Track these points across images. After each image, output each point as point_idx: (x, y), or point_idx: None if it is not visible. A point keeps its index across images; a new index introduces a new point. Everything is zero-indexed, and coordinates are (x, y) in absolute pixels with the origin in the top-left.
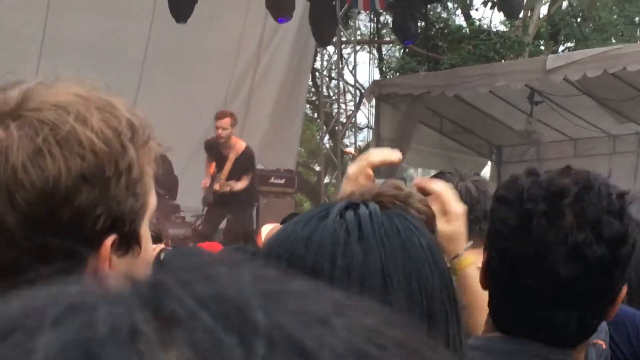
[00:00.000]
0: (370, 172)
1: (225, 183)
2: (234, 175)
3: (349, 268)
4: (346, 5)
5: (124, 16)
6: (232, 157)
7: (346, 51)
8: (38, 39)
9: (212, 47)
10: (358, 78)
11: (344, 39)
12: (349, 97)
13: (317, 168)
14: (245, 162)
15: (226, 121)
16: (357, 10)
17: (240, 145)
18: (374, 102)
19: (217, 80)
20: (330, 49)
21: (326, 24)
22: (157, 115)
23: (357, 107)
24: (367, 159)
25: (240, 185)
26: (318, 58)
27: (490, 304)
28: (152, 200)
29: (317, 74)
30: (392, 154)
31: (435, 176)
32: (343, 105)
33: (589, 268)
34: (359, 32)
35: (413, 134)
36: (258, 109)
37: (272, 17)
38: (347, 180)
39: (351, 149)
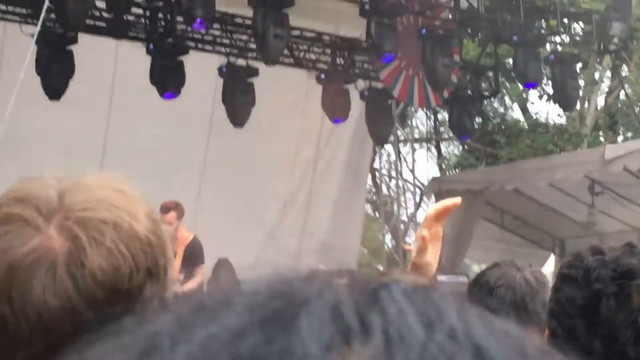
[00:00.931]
0: (439, 229)
1: (177, 281)
2: (185, 268)
3: None
4: (402, 104)
5: (183, 123)
6: (180, 250)
7: (405, 149)
8: (99, 148)
9: (270, 150)
10: (418, 175)
11: (402, 137)
12: (409, 195)
13: (381, 267)
14: (194, 253)
15: (171, 215)
16: (413, 108)
17: (187, 236)
18: (433, 199)
19: (276, 182)
20: (389, 147)
21: (382, 123)
22: (218, 221)
23: (418, 205)
24: (428, 216)
25: (193, 283)
26: (377, 157)
27: None
28: None
29: (376, 173)
30: (449, 201)
31: (491, 267)
32: (403, 204)
33: None
34: (416, 130)
35: (474, 230)
36: (318, 210)
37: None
38: (415, 241)
39: (408, 245)
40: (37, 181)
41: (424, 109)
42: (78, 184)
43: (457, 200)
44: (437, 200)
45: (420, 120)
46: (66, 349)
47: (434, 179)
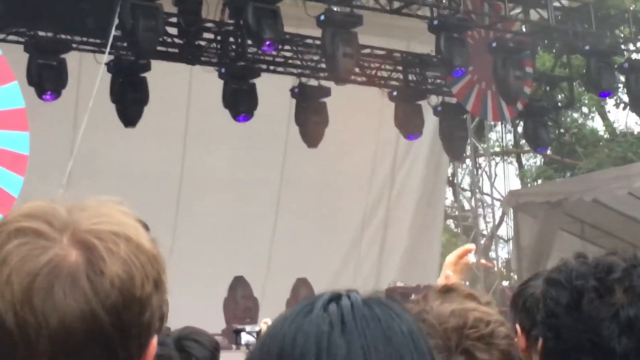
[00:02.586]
0: (449, 273)
1: None
2: None
3: None
4: (477, 118)
5: (258, 144)
6: None
7: (487, 163)
8: (177, 172)
9: (346, 169)
10: (500, 189)
11: (481, 151)
12: (490, 209)
13: (466, 283)
14: None
15: None
16: (492, 122)
17: None
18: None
19: (354, 200)
20: (470, 161)
21: (457, 138)
22: (296, 239)
23: (501, 219)
24: (448, 261)
25: None
26: (457, 172)
27: None
28: None
29: (457, 188)
30: (466, 246)
31: (534, 278)
32: (485, 218)
33: None
34: (497, 143)
35: (554, 242)
36: (396, 228)
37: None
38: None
39: (484, 260)
40: (40, 201)
41: (502, 122)
42: (82, 203)
43: (472, 246)
44: (515, 213)
45: (499, 134)
46: (86, 353)
47: (510, 192)
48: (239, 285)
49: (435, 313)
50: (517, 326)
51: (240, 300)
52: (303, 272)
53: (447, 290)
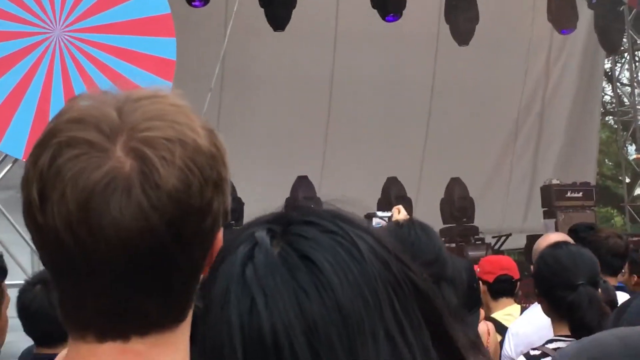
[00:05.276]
0: None
1: None
2: None
3: None
4: (634, 10)
5: (409, 46)
6: None
7: None
8: (327, 77)
9: (499, 67)
10: None
11: None
12: None
13: (627, 180)
14: None
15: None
16: None
17: None
18: None
19: (508, 99)
20: (628, 55)
21: (613, 31)
22: (448, 142)
23: None
24: None
25: None
26: (617, 66)
27: None
28: None
29: (618, 83)
30: None
31: None
32: None
33: None
34: None
35: None
36: (552, 125)
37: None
38: None
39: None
40: (87, 98)
41: None
42: (132, 99)
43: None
44: None
45: None
46: (147, 268)
47: None
48: (392, 186)
49: None
50: None
51: (393, 201)
52: (457, 172)
53: None
